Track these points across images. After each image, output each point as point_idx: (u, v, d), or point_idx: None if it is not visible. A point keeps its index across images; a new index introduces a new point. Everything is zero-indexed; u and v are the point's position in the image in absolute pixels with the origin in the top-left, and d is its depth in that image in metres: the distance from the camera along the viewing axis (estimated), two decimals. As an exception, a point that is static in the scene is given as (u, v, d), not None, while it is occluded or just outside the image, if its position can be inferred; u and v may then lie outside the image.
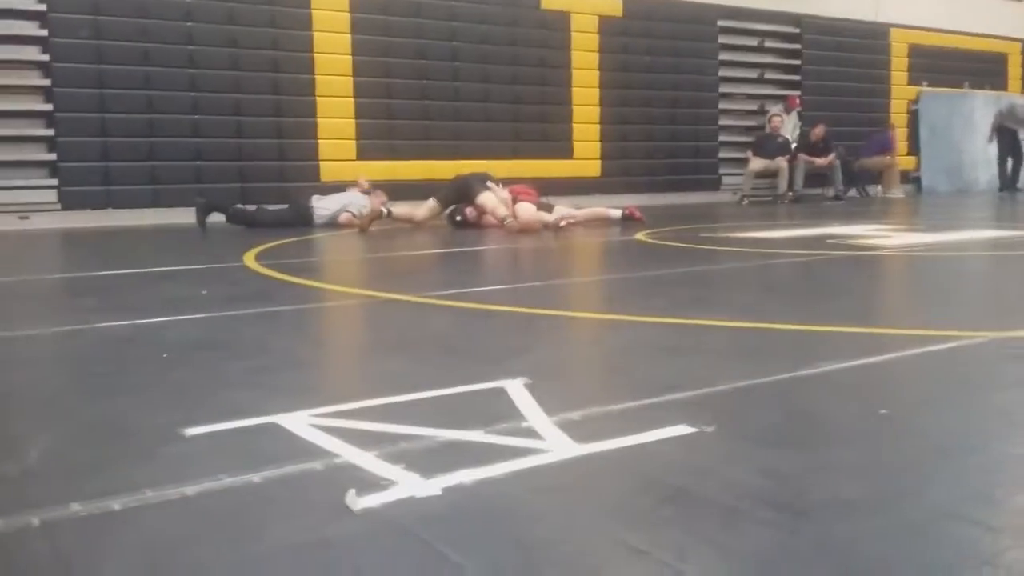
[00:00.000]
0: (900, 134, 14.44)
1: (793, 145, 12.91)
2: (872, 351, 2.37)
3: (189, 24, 9.43)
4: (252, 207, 8.46)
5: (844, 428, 1.70)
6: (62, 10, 8.87)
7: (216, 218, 8.12)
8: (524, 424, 1.67)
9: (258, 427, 1.70)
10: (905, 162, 14.45)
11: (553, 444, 1.55)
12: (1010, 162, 13.69)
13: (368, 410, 1.80)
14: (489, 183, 7.75)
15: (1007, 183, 13.59)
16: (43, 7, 8.81)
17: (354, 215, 7.96)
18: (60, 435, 1.75)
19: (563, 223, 7.37)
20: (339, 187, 8.84)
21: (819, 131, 12.87)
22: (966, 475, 1.42)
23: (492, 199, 7.55)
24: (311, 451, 1.54)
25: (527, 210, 7.61)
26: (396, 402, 1.87)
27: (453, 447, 1.56)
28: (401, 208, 8.01)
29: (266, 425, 1.70)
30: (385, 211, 7.71)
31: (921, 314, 3.17)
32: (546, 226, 7.40)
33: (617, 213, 8.13)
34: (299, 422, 1.71)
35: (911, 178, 14.69)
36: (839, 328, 2.69)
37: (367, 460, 1.48)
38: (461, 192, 7.85)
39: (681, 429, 1.62)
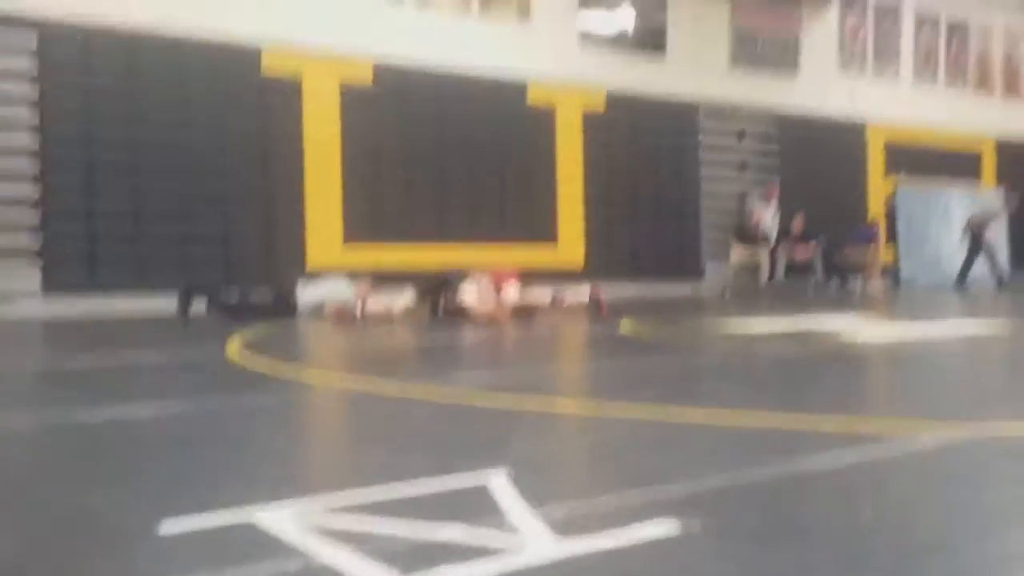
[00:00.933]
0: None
1: (774, 234, 13.09)
2: (857, 447, 2.37)
3: (181, 116, 9.58)
4: (236, 298, 8.41)
5: (828, 526, 1.69)
6: (54, 96, 9.01)
7: (199, 305, 8.09)
8: (507, 520, 1.66)
9: (235, 525, 1.67)
10: (884, 255, 14.68)
11: (536, 541, 1.53)
12: (964, 260, 13.92)
13: (348, 505, 1.78)
14: (466, 280, 7.85)
15: (959, 278, 13.75)
16: (36, 95, 8.95)
17: (339, 306, 7.95)
18: (33, 529, 1.71)
19: (566, 302, 7.45)
20: (322, 276, 8.84)
21: (799, 222, 13.09)
22: (954, 574, 1.41)
23: (469, 295, 7.67)
24: (288, 551, 1.51)
25: (512, 294, 7.70)
26: (377, 496, 1.84)
27: (434, 545, 1.53)
28: (377, 304, 8.02)
29: (243, 523, 1.67)
30: (357, 314, 7.71)
31: (903, 409, 3.18)
32: (546, 307, 7.51)
33: (584, 297, 8.34)
34: (277, 518, 1.68)
35: (890, 271, 14.89)
36: (824, 423, 2.69)
37: (345, 559, 1.45)
38: (441, 287, 7.95)
39: (666, 526, 1.60)
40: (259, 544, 1.55)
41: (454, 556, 1.46)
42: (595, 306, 8.20)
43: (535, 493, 1.83)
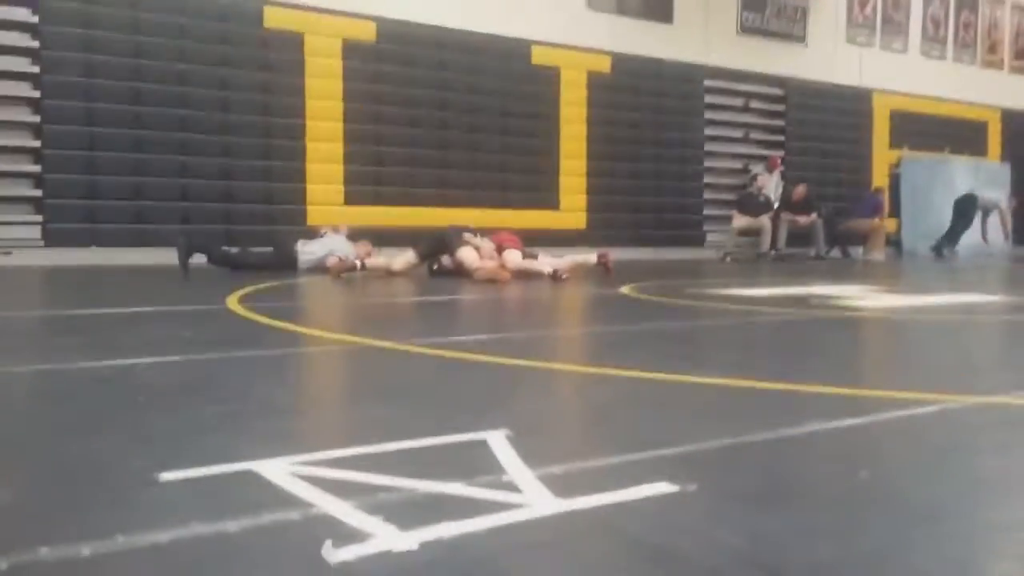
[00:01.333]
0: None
1: (775, 204, 13.09)
2: (855, 413, 2.37)
3: (181, 66, 9.51)
4: (236, 249, 8.44)
5: (826, 490, 1.70)
6: (55, 47, 8.92)
7: (199, 259, 8.09)
8: (505, 478, 1.66)
9: (235, 474, 1.67)
10: (887, 225, 14.66)
11: (534, 499, 1.54)
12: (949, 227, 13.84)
13: (347, 459, 1.78)
14: (467, 235, 7.81)
15: (940, 244, 13.69)
16: (36, 44, 8.87)
17: (340, 259, 7.96)
18: (32, 476, 1.71)
19: (564, 275, 7.44)
20: (320, 232, 8.84)
21: (801, 191, 13.06)
22: (946, 542, 1.42)
23: (471, 254, 7.64)
24: (288, 500, 1.52)
25: (514, 258, 7.71)
26: (376, 451, 1.84)
27: (433, 500, 1.54)
28: (377, 260, 8.03)
29: (243, 472, 1.68)
30: (359, 263, 7.71)
31: (903, 376, 3.19)
32: (544, 276, 7.50)
33: (592, 259, 8.37)
34: (277, 470, 1.68)
35: (892, 241, 14.88)
36: (823, 388, 2.69)
37: (345, 511, 1.46)
38: (440, 245, 7.92)
39: (663, 487, 1.60)
40: (260, 494, 1.55)
41: (454, 511, 1.46)
42: (603, 268, 8.24)
43: (533, 453, 1.83)
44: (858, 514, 1.54)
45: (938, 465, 1.92)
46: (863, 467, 1.83)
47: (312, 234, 8.74)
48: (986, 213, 14.24)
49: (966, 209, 13.62)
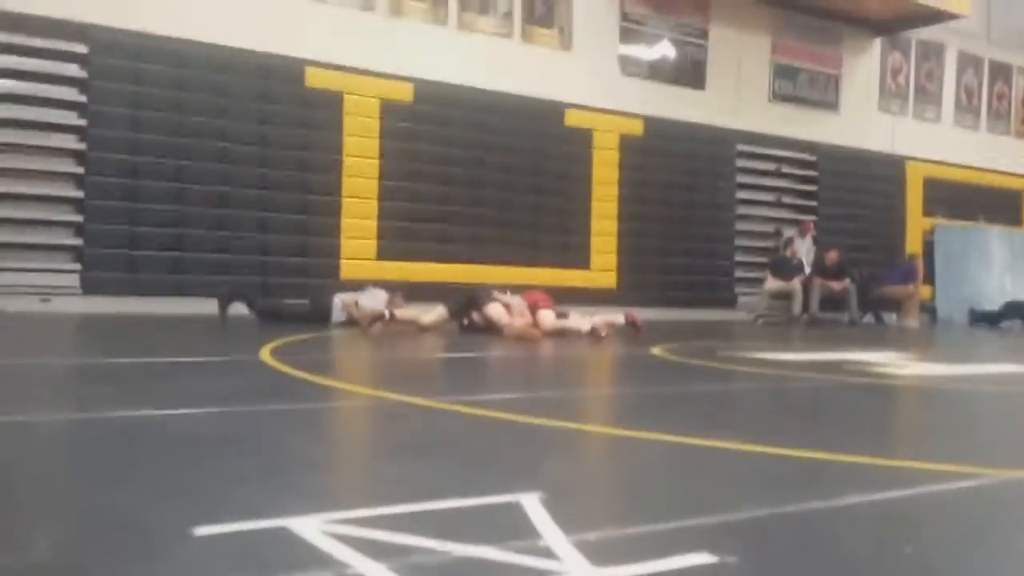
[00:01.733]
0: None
1: (808, 269, 13.01)
2: (895, 484, 2.31)
3: (222, 122, 9.71)
4: (272, 302, 8.57)
5: (868, 565, 1.65)
6: (102, 102, 9.16)
7: (237, 308, 8.19)
8: (540, 543, 1.63)
9: (269, 531, 1.66)
10: (921, 292, 14.50)
11: (571, 567, 1.51)
12: None
13: (380, 518, 1.76)
14: (496, 293, 7.86)
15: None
16: (84, 98, 9.11)
17: (356, 304, 8.00)
18: (67, 528, 1.71)
19: (603, 333, 7.53)
20: (360, 286, 8.89)
21: (833, 256, 12.99)
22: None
23: (498, 310, 7.69)
24: (323, 560, 1.50)
25: (548, 318, 7.73)
26: (409, 511, 1.82)
27: (468, 564, 1.51)
28: (407, 311, 8.05)
29: (277, 529, 1.66)
30: (387, 313, 7.71)
31: (943, 448, 3.11)
32: (582, 334, 7.57)
33: (620, 319, 8.33)
34: (311, 527, 1.67)
35: (926, 308, 14.70)
36: (860, 459, 2.63)
37: (379, 573, 1.44)
38: (470, 303, 7.99)
39: (703, 558, 1.57)
40: (295, 552, 1.53)
41: (489, 576, 1.44)
42: (631, 327, 8.20)
43: (567, 517, 1.80)
44: (904, 592, 1.49)
45: (981, 541, 1.86)
46: (906, 542, 1.78)
47: (350, 288, 8.78)
48: None
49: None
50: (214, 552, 1.54)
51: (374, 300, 8.33)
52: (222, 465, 2.27)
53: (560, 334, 7.70)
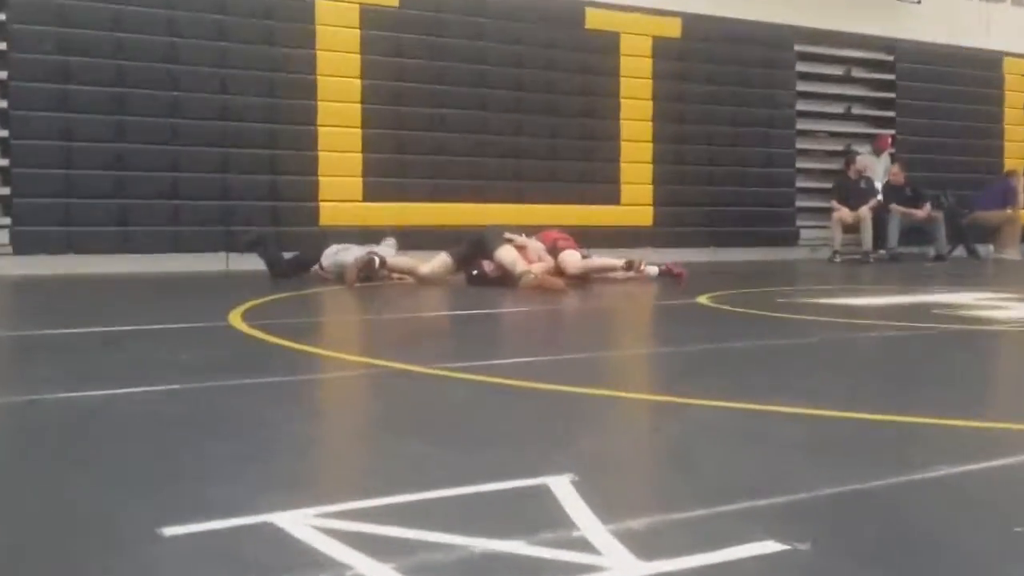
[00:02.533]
0: (1021, 183, 14.39)
1: (879, 196, 12.86)
2: (994, 452, 2.32)
3: (171, 39, 9.65)
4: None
5: (968, 547, 1.66)
6: (23, 20, 9.11)
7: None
8: (575, 534, 1.65)
9: (251, 528, 1.68)
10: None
11: (612, 560, 1.52)
12: None
13: (383, 510, 1.78)
14: (508, 234, 7.79)
15: None
16: (1, 16, 9.06)
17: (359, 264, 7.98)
18: (17, 529, 1.74)
19: (641, 267, 7.48)
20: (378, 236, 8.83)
21: (894, 171, 12.88)
22: None
23: (511, 254, 7.60)
24: (316, 561, 1.52)
25: (573, 259, 7.69)
26: (416, 500, 1.84)
27: (489, 561, 1.53)
28: (401, 259, 8.04)
29: (260, 526, 1.69)
30: (377, 260, 7.69)
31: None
32: (617, 271, 7.55)
33: (654, 270, 8.14)
34: (299, 523, 1.69)
35: (1029, 236, 14.59)
36: (951, 421, 2.64)
37: (384, 574, 1.46)
38: (477, 248, 7.91)
39: (769, 545, 1.58)
40: (282, 552, 1.56)
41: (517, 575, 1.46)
42: (671, 278, 7.96)
43: (606, 503, 1.82)
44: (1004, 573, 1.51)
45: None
46: (1012, 519, 1.79)
47: (341, 236, 8.71)
48: None
49: None
50: (188, 554, 1.56)
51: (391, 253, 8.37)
52: (192, 452, 2.30)
53: (589, 277, 7.68)
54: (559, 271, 7.59)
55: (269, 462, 2.21)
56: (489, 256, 7.77)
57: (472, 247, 8.02)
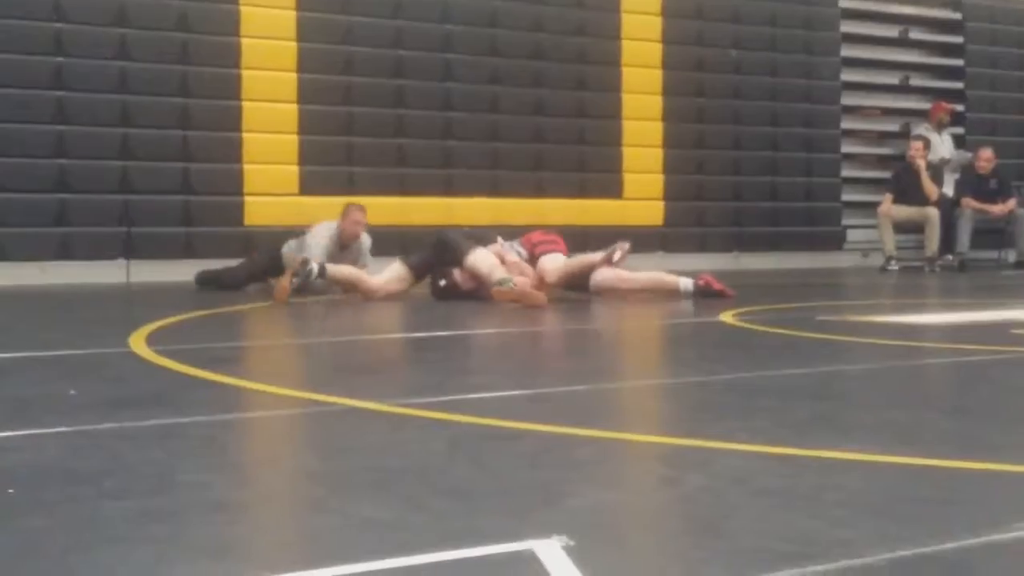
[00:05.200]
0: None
1: (941, 186, 12.89)
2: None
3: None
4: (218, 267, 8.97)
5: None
6: None
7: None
8: (569, 613, 1.65)
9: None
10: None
11: (616, 646, 1.52)
12: None
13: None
14: (473, 248, 7.77)
15: None
16: None
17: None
18: None
19: (617, 255, 7.47)
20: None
21: (988, 157, 12.93)
22: None
23: (488, 260, 7.60)
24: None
25: (554, 264, 7.69)
26: (370, 572, 1.84)
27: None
28: (342, 270, 8.02)
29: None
30: (315, 267, 7.65)
31: None
32: (596, 263, 7.59)
33: (688, 283, 8.02)
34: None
35: None
36: (1036, 468, 2.66)
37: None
38: (443, 253, 7.90)
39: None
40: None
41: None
42: (710, 293, 7.79)
43: (605, 573, 1.81)
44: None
45: None
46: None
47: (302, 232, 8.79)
48: None
49: None
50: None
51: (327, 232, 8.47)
52: (81, 515, 2.28)
53: (568, 280, 7.69)
54: (540, 283, 7.58)
55: (184, 526, 2.19)
56: (459, 262, 7.76)
57: (436, 252, 8.01)
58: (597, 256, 7.69)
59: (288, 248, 8.56)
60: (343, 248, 8.63)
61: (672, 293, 7.96)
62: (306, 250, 8.23)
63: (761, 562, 1.89)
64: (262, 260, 8.88)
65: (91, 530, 2.15)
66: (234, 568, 1.85)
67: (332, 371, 4.92)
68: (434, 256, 8.04)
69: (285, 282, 7.55)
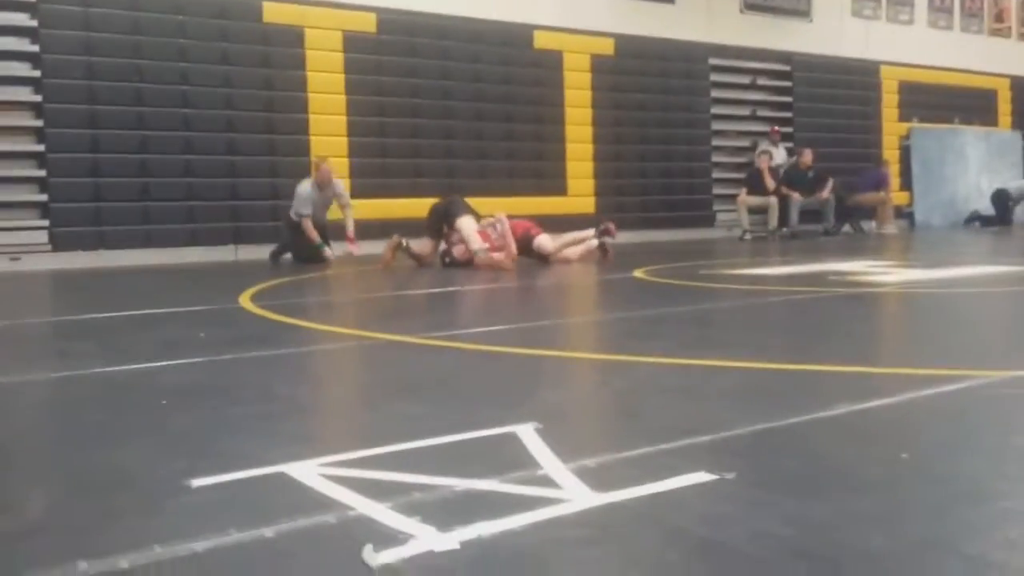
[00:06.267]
0: (893, 170, 14.57)
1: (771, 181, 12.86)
2: (883, 392, 2.35)
3: (183, 64, 9.47)
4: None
5: (866, 473, 1.68)
6: (56, 51, 8.90)
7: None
8: (539, 472, 1.65)
9: (266, 477, 1.66)
10: (899, 198, 14.55)
11: (571, 493, 1.52)
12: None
13: (378, 458, 1.77)
14: (464, 215, 7.63)
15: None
16: (36, 48, 8.84)
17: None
18: (60, 488, 1.71)
19: (609, 232, 7.72)
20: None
21: (807, 158, 12.94)
22: (996, 522, 1.40)
23: (470, 225, 7.47)
24: (323, 503, 1.50)
25: (547, 242, 7.70)
26: (406, 449, 1.83)
27: (468, 497, 1.52)
28: (415, 244, 7.97)
29: (274, 476, 1.67)
30: (404, 242, 7.71)
31: (928, 353, 3.16)
32: (588, 240, 7.71)
33: (594, 242, 8.00)
34: (308, 472, 1.67)
35: (905, 214, 14.78)
36: (848, 368, 2.67)
37: (381, 512, 1.44)
38: (442, 216, 7.76)
39: (702, 476, 1.59)
40: (294, 497, 1.54)
41: (492, 508, 1.45)
42: (602, 250, 7.90)
43: (564, 445, 1.82)
44: (903, 497, 1.52)
45: (976, 443, 1.90)
46: (899, 448, 1.81)
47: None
48: (1016, 202, 14.31)
49: (1002, 202, 13.96)
50: (213, 503, 1.54)
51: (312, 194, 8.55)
52: (213, 415, 2.27)
53: (565, 255, 7.68)
54: (528, 253, 7.56)
55: (279, 422, 2.18)
56: (451, 222, 7.56)
57: (437, 216, 7.82)
58: (589, 232, 7.77)
59: (293, 211, 8.58)
60: (321, 191, 8.66)
61: (589, 244, 7.95)
62: (296, 202, 8.46)
63: (667, 436, 1.89)
64: (289, 233, 8.75)
65: (220, 426, 2.14)
66: (317, 447, 1.84)
67: (374, 316, 4.90)
68: (436, 219, 7.85)
69: (388, 253, 7.67)
